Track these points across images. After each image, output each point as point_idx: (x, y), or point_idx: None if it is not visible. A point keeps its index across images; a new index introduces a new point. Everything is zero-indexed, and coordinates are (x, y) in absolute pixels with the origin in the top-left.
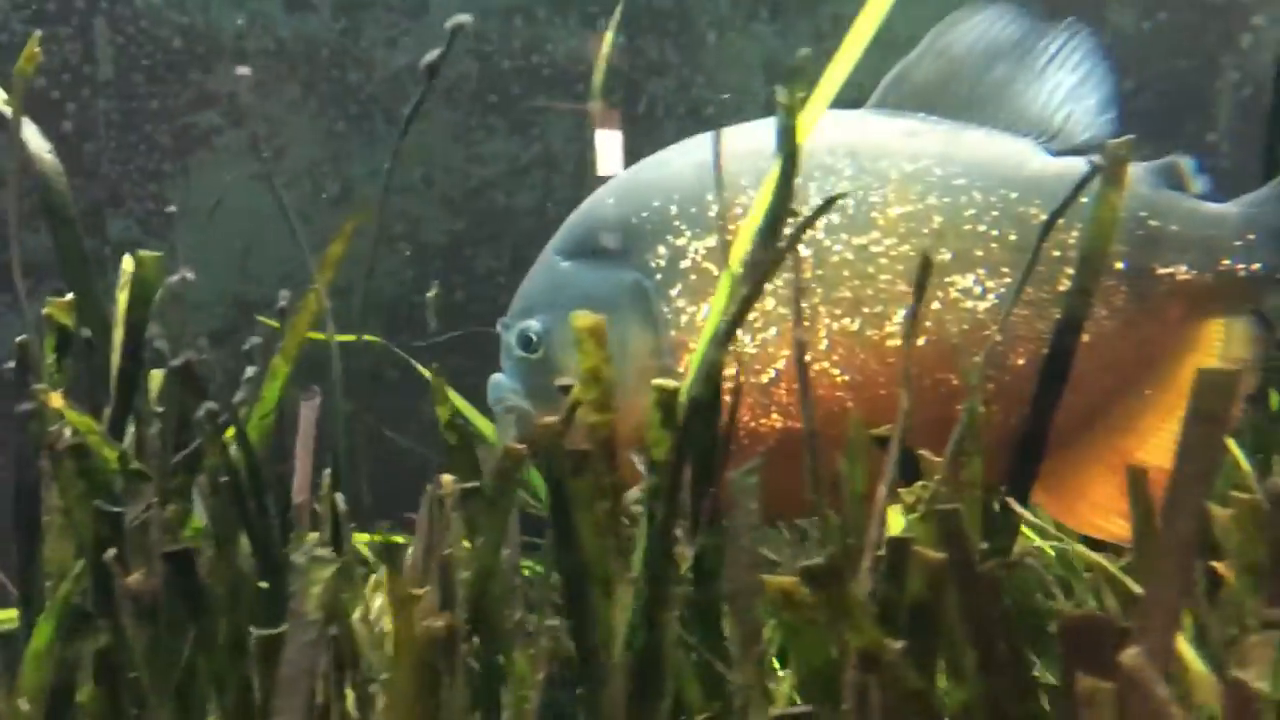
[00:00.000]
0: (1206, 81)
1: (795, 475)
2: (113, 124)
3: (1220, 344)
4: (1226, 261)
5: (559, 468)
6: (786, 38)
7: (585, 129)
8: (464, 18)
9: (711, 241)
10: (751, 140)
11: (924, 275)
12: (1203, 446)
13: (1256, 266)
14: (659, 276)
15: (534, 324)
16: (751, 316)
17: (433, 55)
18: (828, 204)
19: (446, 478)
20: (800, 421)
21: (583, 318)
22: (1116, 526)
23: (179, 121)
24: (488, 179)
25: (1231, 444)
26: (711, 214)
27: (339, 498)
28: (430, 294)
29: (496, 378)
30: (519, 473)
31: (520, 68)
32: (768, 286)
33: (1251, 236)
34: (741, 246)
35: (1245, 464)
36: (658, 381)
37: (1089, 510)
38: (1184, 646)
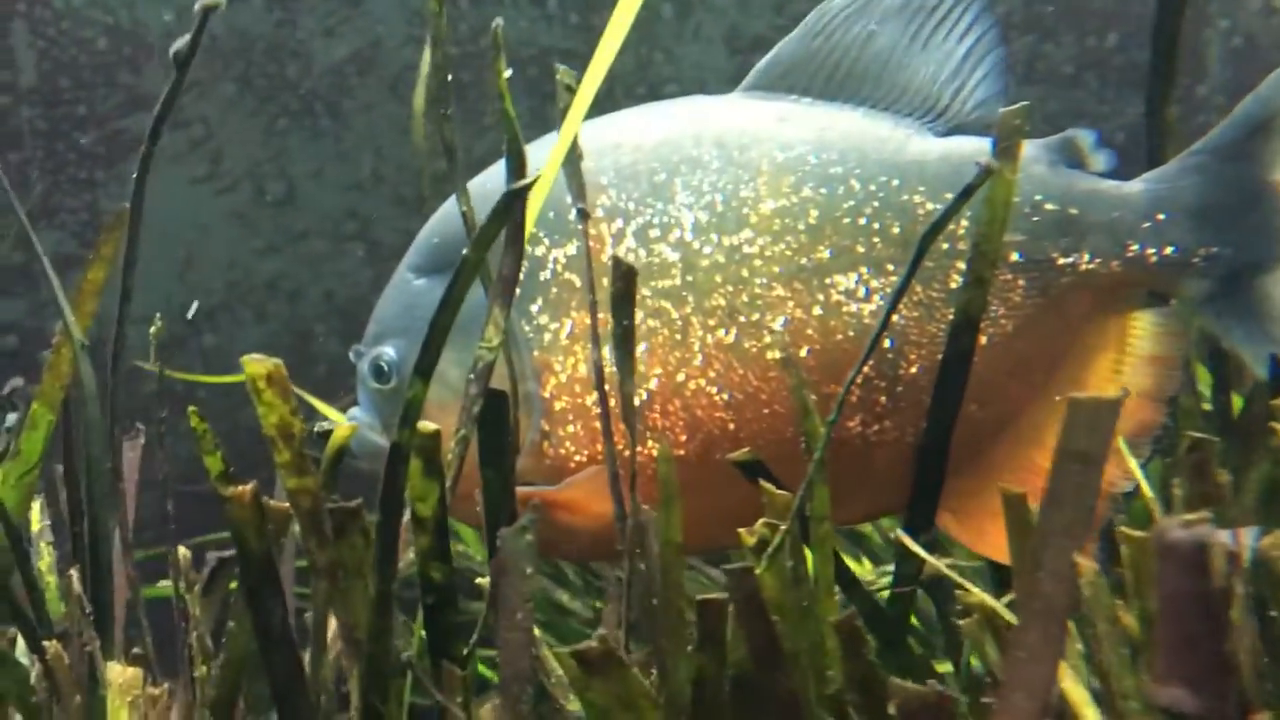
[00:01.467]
0: (1195, 31)
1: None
2: (38, 132)
3: (1135, 340)
4: (1135, 246)
5: (249, 538)
6: (747, 7)
7: (542, 111)
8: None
9: (573, 249)
10: (612, 132)
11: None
12: (1074, 492)
13: (1169, 250)
14: (518, 291)
15: (387, 351)
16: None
17: (180, 43)
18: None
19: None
20: (688, 447)
21: (256, 362)
22: None
23: (109, 127)
24: (441, 172)
25: (1133, 465)
26: (572, 218)
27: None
28: None
29: (353, 412)
30: (281, 536)
31: (469, 53)
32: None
33: (1161, 217)
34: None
35: (1147, 490)
36: (422, 425)
37: (1001, 535)
38: None
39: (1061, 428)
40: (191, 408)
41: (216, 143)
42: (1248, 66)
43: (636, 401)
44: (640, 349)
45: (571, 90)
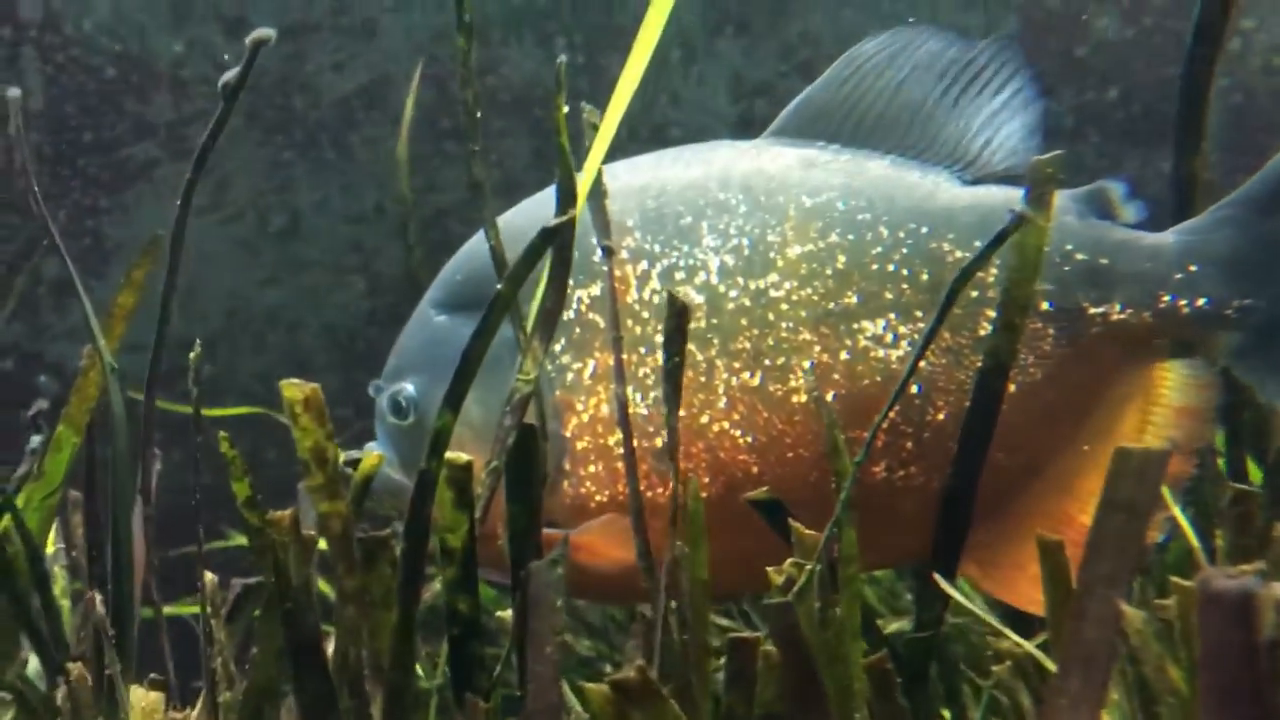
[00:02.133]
0: None
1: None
2: (44, 158)
3: (1165, 391)
4: (1166, 297)
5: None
6: (753, 55)
7: (546, 152)
8: (266, 32)
9: (597, 290)
10: (638, 175)
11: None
12: (1118, 542)
13: (1201, 302)
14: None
15: (407, 387)
16: (642, 373)
17: (231, 74)
18: None
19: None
20: (711, 489)
21: (294, 386)
22: None
23: (115, 154)
24: (444, 207)
25: (1179, 516)
26: (596, 259)
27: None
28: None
29: (370, 447)
30: (308, 567)
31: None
32: (658, 338)
33: (1193, 268)
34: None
35: (1193, 538)
36: (449, 455)
37: (1029, 584)
38: None
39: (1108, 477)
40: (222, 434)
41: (222, 173)
42: (1247, 122)
43: (660, 443)
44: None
45: (596, 128)
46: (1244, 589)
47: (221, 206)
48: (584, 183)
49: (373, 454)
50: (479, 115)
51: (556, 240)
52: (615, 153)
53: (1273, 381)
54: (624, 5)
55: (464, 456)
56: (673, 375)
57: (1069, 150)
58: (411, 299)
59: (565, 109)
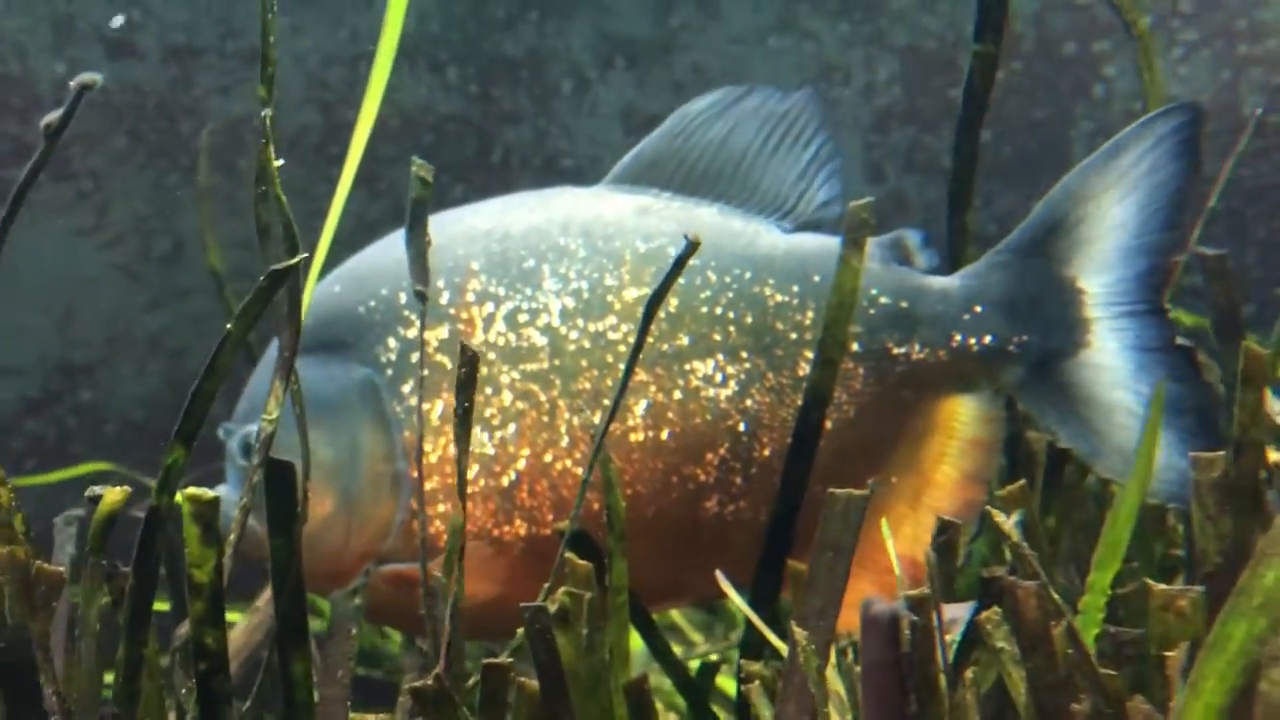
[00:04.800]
0: (1062, 131)
1: (537, 589)
2: None
3: (957, 425)
4: (958, 337)
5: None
6: (643, 86)
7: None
8: (93, 76)
9: (444, 332)
10: (483, 220)
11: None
12: (827, 578)
13: (987, 339)
14: (390, 372)
15: (255, 429)
16: (488, 412)
17: (53, 115)
18: None
19: None
20: (551, 526)
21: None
22: None
23: None
24: (335, 236)
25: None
26: (443, 301)
27: None
28: None
29: (221, 489)
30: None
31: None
32: (503, 379)
33: (978, 309)
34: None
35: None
36: (192, 491)
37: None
38: None
39: (820, 519)
40: None
41: (104, 196)
42: None
43: (505, 482)
44: (510, 430)
45: (426, 184)
46: (893, 612)
47: (103, 229)
48: (408, 230)
49: (115, 490)
50: (275, 161)
51: (289, 282)
52: (509, 184)
53: (1052, 410)
54: (516, 36)
55: (209, 493)
56: (463, 420)
57: (944, 187)
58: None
59: (280, 161)
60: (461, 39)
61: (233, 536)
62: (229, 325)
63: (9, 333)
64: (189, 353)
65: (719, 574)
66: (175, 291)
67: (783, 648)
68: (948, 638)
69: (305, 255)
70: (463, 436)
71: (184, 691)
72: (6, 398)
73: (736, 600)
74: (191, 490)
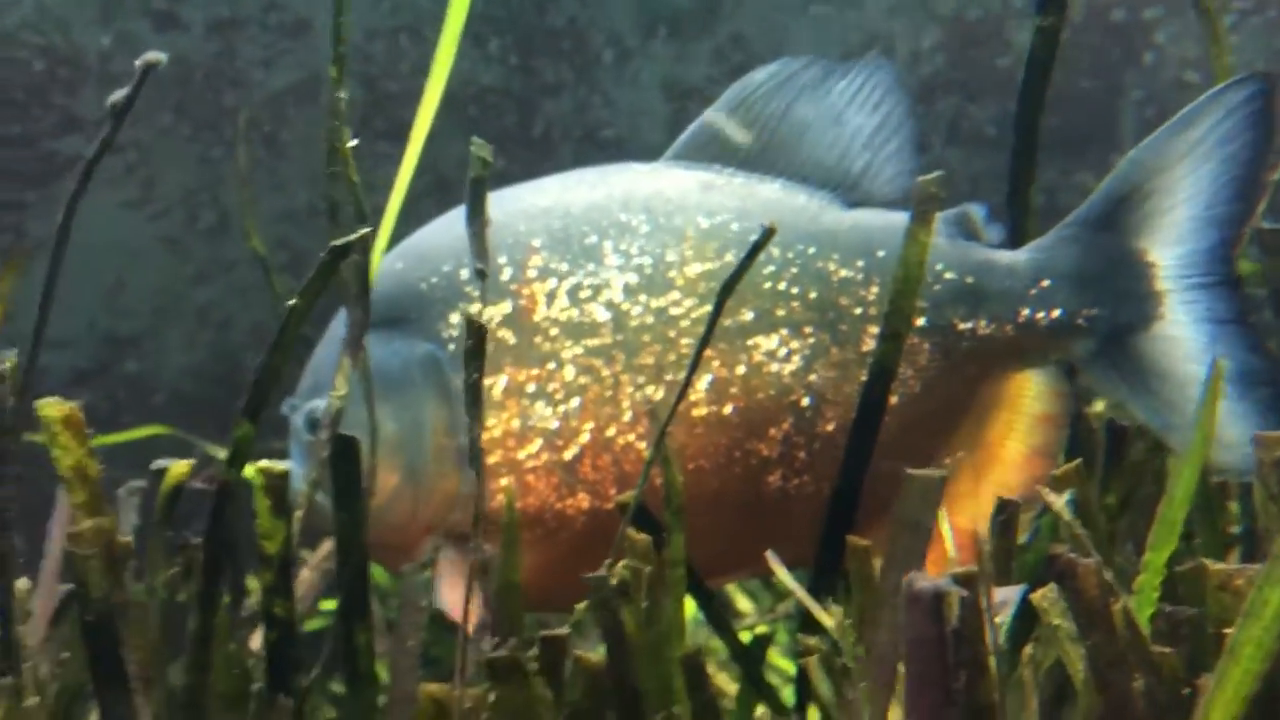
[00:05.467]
0: (1111, 101)
1: (599, 562)
2: None
3: (1025, 400)
4: (1025, 311)
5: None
6: (685, 56)
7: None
8: (157, 55)
9: (506, 307)
10: (543, 198)
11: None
12: (905, 557)
13: (1055, 314)
14: (452, 347)
15: (322, 405)
16: (551, 387)
17: (119, 94)
18: None
19: None
20: (609, 500)
21: (52, 405)
22: None
23: (42, 148)
24: (377, 207)
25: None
26: (505, 277)
27: None
28: None
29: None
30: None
31: (409, 90)
32: (566, 354)
33: (1046, 283)
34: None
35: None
36: (264, 464)
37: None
38: None
39: (899, 498)
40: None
41: (150, 169)
42: None
43: (568, 456)
44: (573, 404)
45: (485, 164)
46: (938, 588)
47: (150, 202)
48: (468, 208)
49: (180, 463)
50: (348, 138)
51: (354, 258)
52: (549, 156)
53: (1123, 384)
54: (558, 6)
55: (281, 465)
56: (472, 390)
57: (991, 158)
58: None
59: (354, 141)
60: (503, 10)
61: (298, 511)
62: (293, 300)
63: (58, 304)
64: (235, 324)
65: (770, 554)
66: (222, 264)
67: (829, 622)
68: (997, 619)
69: (369, 229)
70: (474, 405)
71: (251, 663)
72: (58, 368)
73: (786, 579)
74: (263, 463)
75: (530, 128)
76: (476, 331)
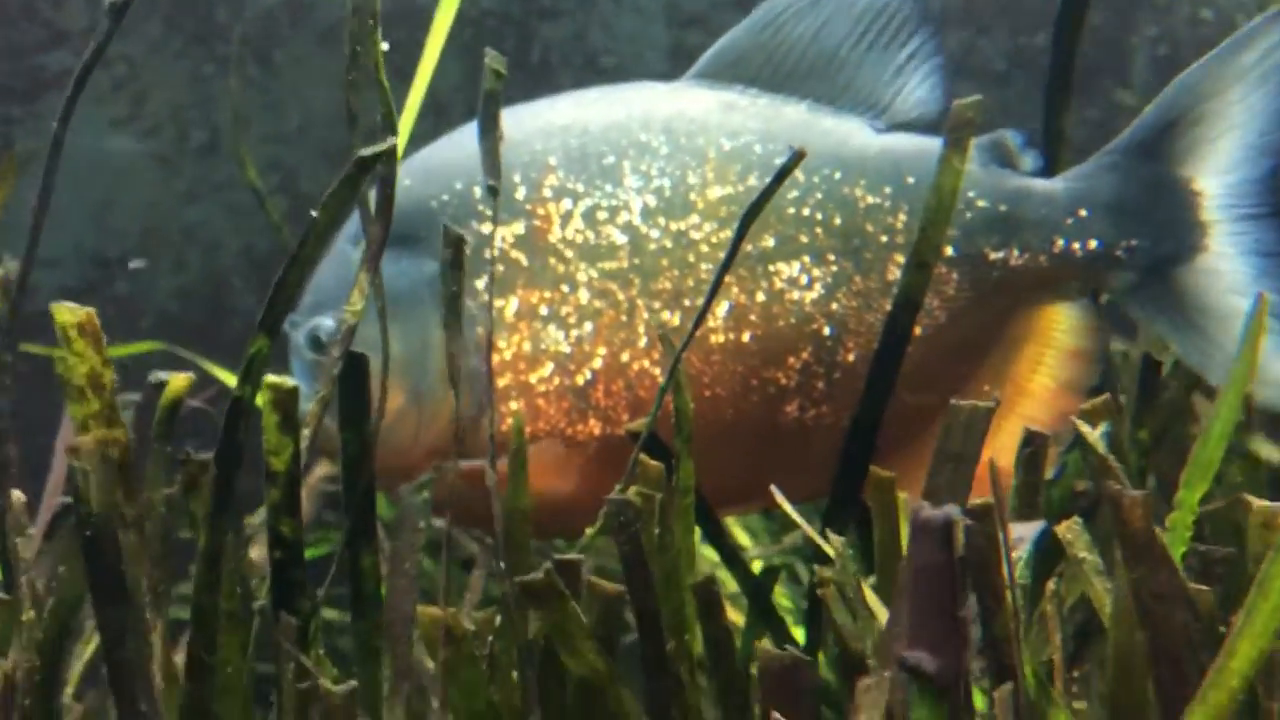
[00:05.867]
0: (1122, 36)
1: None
2: None
3: (1056, 334)
4: (1060, 241)
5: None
6: None
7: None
8: None
9: (520, 228)
10: (560, 115)
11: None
12: (949, 489)
13: (1093, 244)
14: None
15: (325, 322)
16: (564, 310)
17: None
18: None
19: None
20: (621, 426)
21: (67, 310)
22: None
23: (27, 61)
24: (369, 129)
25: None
26: (519, 196)
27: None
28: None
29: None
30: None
31: (403, 10)
32: (581, 277)
33: (1084, 213)
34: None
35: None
36: (271, 379)
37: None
38: None
39: (940, 430)
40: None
41: (140, 84)
42: (1173, 73)
43: (581, 381)
44: (587, 329)
45: (498, 76)
46: (947, 516)
47: (139, 118)
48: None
49: (180, 376)
50: (378, 40)
51: (380, 170)
52: (548, 81)
53: (1163, 317)
54: None
55: (289, 381)
56: (451, 303)
57: (999, 93)
58: None
59: (385, 45)
60: None
61: (306, 430)
62: (315, 212)
63: (46, 222)
64: (225, 246)
65: (773, 488)
66: (213, 184)
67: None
68: (1014, 554)
69: (394, 140)
70: (453, 323)
71: (255, 581)
72: (47, 287)
73: (791, 513)
74: (271, 378)
75: (528, 54)
76: (454, 241)
